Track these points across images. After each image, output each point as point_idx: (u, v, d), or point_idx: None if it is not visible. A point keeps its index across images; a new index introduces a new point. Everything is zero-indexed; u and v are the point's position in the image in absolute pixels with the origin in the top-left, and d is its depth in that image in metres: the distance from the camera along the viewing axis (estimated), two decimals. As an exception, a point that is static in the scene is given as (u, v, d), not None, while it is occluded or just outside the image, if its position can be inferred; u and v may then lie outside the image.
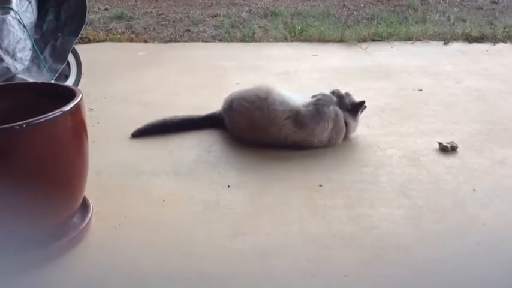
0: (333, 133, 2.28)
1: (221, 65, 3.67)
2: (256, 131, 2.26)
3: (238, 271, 1.51)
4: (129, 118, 2.66)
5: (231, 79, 3.33)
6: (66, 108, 1.46)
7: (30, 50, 2.53)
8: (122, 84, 3.26)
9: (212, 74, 3.47)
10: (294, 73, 3.48)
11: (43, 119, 1.39)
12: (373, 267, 1.51)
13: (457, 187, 1.95)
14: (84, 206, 1.72)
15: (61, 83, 1.75)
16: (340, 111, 2.31)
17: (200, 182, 2.00)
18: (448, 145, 2.25)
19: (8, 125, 1.33)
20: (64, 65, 2.75)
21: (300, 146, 2.25)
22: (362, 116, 2.66)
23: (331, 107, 2.30)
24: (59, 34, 2.70)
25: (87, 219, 1.67)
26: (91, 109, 2.63)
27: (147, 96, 3.01)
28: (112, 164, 2.15)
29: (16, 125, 1.33)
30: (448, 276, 1.47)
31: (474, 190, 1.92)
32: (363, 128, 2.52)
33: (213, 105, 2.57)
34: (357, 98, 2.41)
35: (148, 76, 3.42)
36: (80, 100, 1.53)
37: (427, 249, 1.59)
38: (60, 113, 1.43)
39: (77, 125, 1.52)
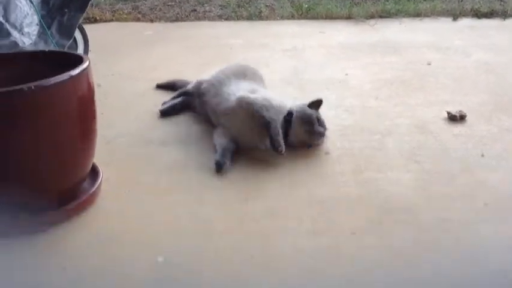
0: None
1: (228, 43, 3.67)
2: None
3: (247, 230, 1.52)
4: (137, 94, 2.68)
5: (238, 57, 3.32)
6: (74, 72, 1.47)
7: (37, 25, 2.55)
8: (129, 62, 3.27)
9: (218, 52, 3.47)
10: (301, 50, 3.47)
11: (51, 82, 1.40)
12: (380, 225, 1.52)
13: (465, 153, 1.95)
14: (94, 172, 1.74)
15: (69, 51, 1.75)
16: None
17: (209, 151, 2.01)
18: (457, 114, 2.24)
19: (17, 87, 1.35)
20: (71, 40, 2.77)
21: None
22: (370, 88, 2.67)
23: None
24: (66, 10, 2.71)
25: (97, 184, 1.69)
26: (99, 85, 2.64)
27: (154, 73, 3.01)
28: (120, 134, 2.17)
29: (25, 87, 1.35)
30: (455, 235, 1.48)
31: (482, 155, 1.91)
32: (371, 99, 2.52)
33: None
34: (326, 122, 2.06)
35: (155, 55, 3.43)
36: (87, 66, 1.55)
37: (434, 210, 1.59)
38: (68, 76, 1.45)
39: (84, 89, 1.54)
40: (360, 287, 1.29)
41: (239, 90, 2.10)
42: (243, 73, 2.28)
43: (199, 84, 2.34)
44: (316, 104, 2.06)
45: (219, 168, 1.84)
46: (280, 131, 1.92)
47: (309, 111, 2.02)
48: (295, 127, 1.98)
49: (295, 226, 1.54)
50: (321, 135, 1.99)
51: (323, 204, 1.64)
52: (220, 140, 2.00)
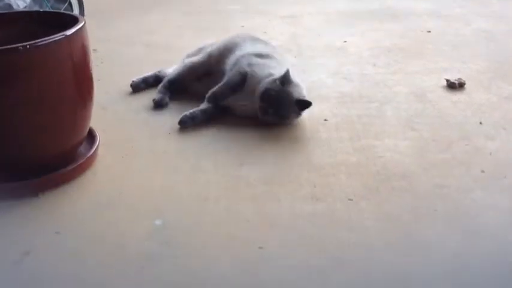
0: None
1: (226, 8, 3.61)
2: None
3: (243, 195, 1.52)
4: (133, 58, 2.65)
5: (236, 23, 3.28)
6: (69, 32, 1.45)
7: (32, -13, 2.49)
8: (125, 26, 3.22)
9: (217, 17, 3.42)
10: (300, 16, 3.42)
11: (46, 41, 1.38)
12: (378, 191, 1.52)
13: (464, 120, 1.94)
14: (91, 136, 1.73)
15: (64, 11, 1.71)
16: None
17: (205, 117, 2.00)
18: (456, 82, 2.22)
19: (12, 46, 1.32)
20: (66, 5, 2.72)
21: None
22: (368, 55, 2.65)
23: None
24: (60, -27, 2.65)
25: (94, 148, 1.68)
26: (95, 50, 2.60)
27: (150, 37, 2.98)
28: (117, 100, 2.15)
29: (20, 46, 1.33)
30: (452, 202, 1.48)
31: (481, 123, 1.91)
32: (369, 67, 2.50)
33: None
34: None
35: (152, 19, 3.37)
36: (82, 26, 1.52)
37: (431, 176, 1.60)
38: (62, 36, 1.42)
39: (80, 50, 1.51)
40: (358, 252, 1.30)
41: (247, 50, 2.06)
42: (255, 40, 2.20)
43: (198, 64, 2.18)
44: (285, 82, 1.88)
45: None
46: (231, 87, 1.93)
47: (272, 88, 1.86)
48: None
49: (292, 191, 1.54)
50: (263, 113, 1.87)
51: (320, 170, 1.64)
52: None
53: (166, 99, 2.11)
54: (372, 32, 3.02)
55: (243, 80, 1.95)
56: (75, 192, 1.54)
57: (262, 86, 1.88)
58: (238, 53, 2.08)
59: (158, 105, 2.08)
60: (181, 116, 1.92)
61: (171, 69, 2.28)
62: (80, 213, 1.46)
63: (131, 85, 2.24)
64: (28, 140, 1.47)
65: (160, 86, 2.18)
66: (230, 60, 2.08)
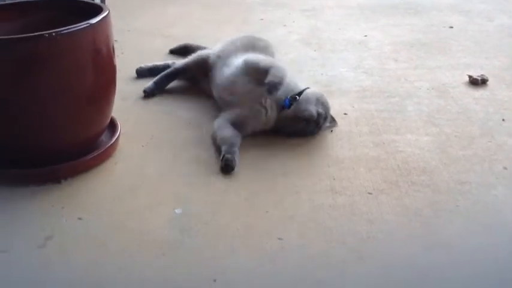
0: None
1: (246, 1, 3.61)
2: None
3: (262, 187, 1.53)
4: (153, 49, 2.66)
5: (256, 15, 3.28)
6: (94, 20, 1.46)
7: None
8: (146, 18, 3.23)
9: (236, 10, 3.42)
10: (320, 10, 3.40)
11: (72, 29, 1.39)
12: (397, 186, 1.51)
13: (486, 117, 1.92)
14: (112, 125, 1.75)
15: (88, 0, 1.73)
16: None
17: (225, 108, 2.01)
18: (478, 78, 2.20)
19: (37, 33, 1.34)
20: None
21: None
22: (389, 50, 2.63)
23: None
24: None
25: (116, 137, 1.69)
26: (115, 40, 2.62)
27: (170, 29, 2.98)
28: (137, 91, 2.15)
29: (46, 33, 1.34)
30: (473, 198, 1.47)
31: (503, 120, 1.88)
32: (390, 61, 2.48)
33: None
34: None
35: (172, 11, 3.38)
36: (107, 15, 1.53)
37: (452, 172, 1.58)
38: (87, 24, 1.44)
39: (104, 39, 1.53)
40: (378, 245, 1.30)
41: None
42: (253, 45, 2.03)
43: (204, 58, 2.12)
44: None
45: (230, 168, 1.58)
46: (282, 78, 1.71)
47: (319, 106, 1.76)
48: (296, 107, 1.73)
49: (311, 184, 1.54)
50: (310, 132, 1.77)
51: (340, 164, 1.64)
52: (224, 132, 1.72)
53: (156, 91, 2.11)
54: (393, 27, 2.99)
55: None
56: (97, 179, 1.56)
57: (311, 110, 1.72)
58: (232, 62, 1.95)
59: (146, 95, 2.10)
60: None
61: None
62: (102, 200, 1.47)
63: (137, 70, 2.28)
64: (52, 127, 1.49)
65: (162, 74, 2.16)
66: (222, 71, 1.97)
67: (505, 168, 1.59)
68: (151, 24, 3.11)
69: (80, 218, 1.39)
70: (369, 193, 1.49)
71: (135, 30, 2.97)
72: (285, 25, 3.04)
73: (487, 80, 2.19)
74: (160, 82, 2.15)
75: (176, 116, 1.96)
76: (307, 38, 2.83)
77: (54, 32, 1.35)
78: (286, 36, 2.87)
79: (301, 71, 2.34)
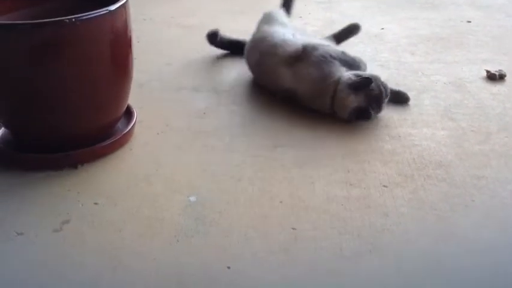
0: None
1: (262, -8, 3.59)
2: None
3: (276, 177, 1.53)
4: (169, 39, 2.66)
5: (272, 6, 3.26)
6: (113, 7, 1.47)
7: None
8: (161, 7, 3.23)
9: (252, 1, 3.41)
10: (337, 2, 3.36)
11: (92, 15, 1.40)
12: (413, 179, 1.51)
13: (503, 112, 1.90)
14: (129, 113, 1.76)
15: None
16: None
17: (240, 98, 2.01)
18: (496, 73, 2.17)
19: (58, 18, 1.35)
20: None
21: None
22: (406, 43, 2.60)
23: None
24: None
25: (132, 124, 1.70)
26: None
27: (186, 19, 2.98)
28: (153, 79, 2.17)
29: (66, 19, 1.35)
30: (489, 192, 1.46)
31: (521, 116, 1.87)
32: (406, 55, 2.45)
33: (252, 30, 2.53)
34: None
35: (188, 1, 3.38)
36: (125, 2, 1.54)
37: (469, 166, 1.57)
38: (106, 11, 1.44)
39: (122, 26, 1.53)
40: (392, 238, 1.30)
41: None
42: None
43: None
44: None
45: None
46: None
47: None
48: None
49: (325, 175, 1.54)
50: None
51: (355, 156, 1.63)
52: None
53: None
54: (410, 20, 2.96)
55: None
56: (113, 166, 1.57)
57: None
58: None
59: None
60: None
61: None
62: (117, 186, 1.49)
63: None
64: (70, 113, 1.50)
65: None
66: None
67: (522, 164, 1.58)
68: (167, 13, 3.12)
69: (95, 203, 1.41)
70: (384, 186, 1.48)
71: (150, 20, 2.97)
72: (300, 17, 3.02)
73: (505, 76, 2.17)
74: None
75: (191, 105, 1.96)
76: (323, 30, 2.81)
77: (74, 17, 1.36)
78: (302, 28, 2.85)
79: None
